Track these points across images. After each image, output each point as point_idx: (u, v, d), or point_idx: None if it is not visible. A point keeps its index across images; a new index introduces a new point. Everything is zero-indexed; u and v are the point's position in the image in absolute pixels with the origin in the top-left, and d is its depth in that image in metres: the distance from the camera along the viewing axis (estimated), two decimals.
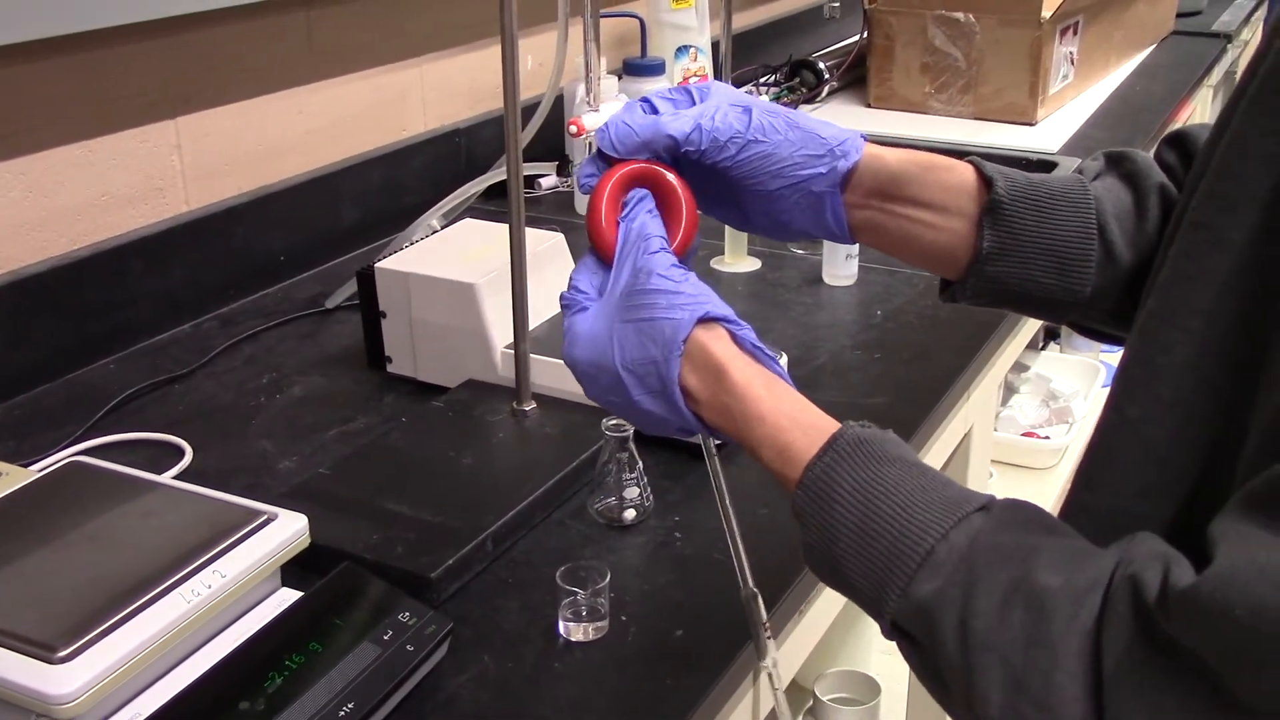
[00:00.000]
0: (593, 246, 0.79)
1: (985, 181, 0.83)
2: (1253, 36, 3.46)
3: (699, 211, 0.82)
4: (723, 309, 0.75)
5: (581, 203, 1.78)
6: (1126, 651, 0.58)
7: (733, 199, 0.84)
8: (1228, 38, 2.90)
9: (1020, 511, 0.67)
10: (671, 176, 0.80)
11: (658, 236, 0.77)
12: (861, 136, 0.83)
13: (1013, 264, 0.83)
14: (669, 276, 0.75)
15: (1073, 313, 0.85)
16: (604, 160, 0.80)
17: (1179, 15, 2.92)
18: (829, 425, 0.72)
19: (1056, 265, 0.82)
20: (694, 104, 0.81)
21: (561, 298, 0.79)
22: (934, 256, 0.85)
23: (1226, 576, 0.55)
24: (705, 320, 0.74)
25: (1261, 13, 3.50)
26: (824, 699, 1.81)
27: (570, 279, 0.79)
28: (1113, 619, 0.58)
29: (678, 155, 0.80)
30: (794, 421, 0.72)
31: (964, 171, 0.84)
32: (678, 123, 0.79)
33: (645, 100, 0.81)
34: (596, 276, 0.79)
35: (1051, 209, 0.82)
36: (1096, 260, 0.82)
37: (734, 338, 0.74)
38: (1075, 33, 2.26)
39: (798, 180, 0.81)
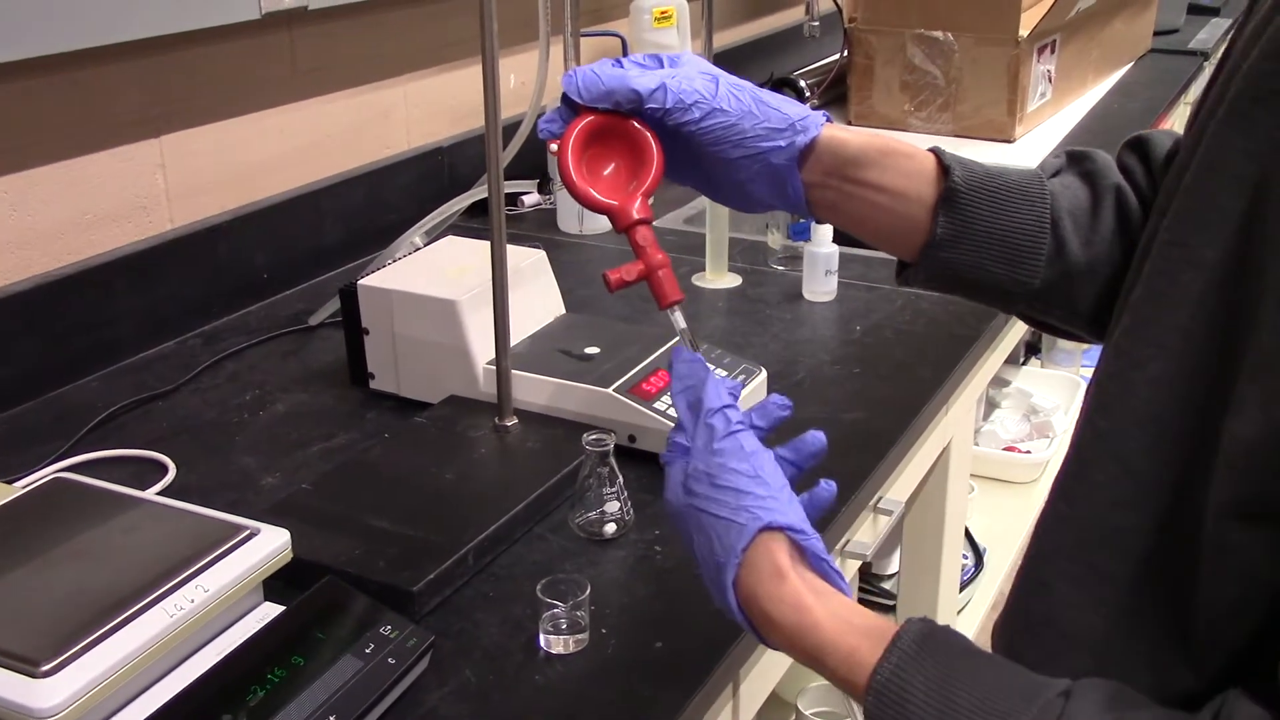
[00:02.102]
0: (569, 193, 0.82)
1: (944, 169, 0.84)
2: None
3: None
4: (789, 516, 0.73)
5: (565, 219, 1.79)
6: None
7: (698, 166, 0.85)
8: (1204, 55, 2.93)
9: (1102, 689, 0.65)
10: (636, 124, 0.81)
11: (725, 409, 0.76)
12: (825, 117, 0.85)
13: (964, 251, 0.84)
14: (741, 471, 0.74)
15: (1020, 303, 0.87)
16: (570, 108, 0.81)
17: (1156, 33, 2.95)
18: (888, 626, 0.70)
19: (1007, 255, 0.84)
20: (663, 69, 0.83)
21: (662, 457, 0.79)
22: (889, 237, 0.87)
23: None
24: (770, 528, 0.73)
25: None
26: (806, 713, 1.81)
27: (669, 436, 0.79)
28: None
29: (642, 112, 0.81)
30: (851, 626, 0.71)
31: (924, 159, 0.85)
32: (644, 79, 0.80)
33: (616, 60, 0.83)
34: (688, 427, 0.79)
35: (1006, 200, 0.83)
36: (1047, 253, 0.83)
37: (797, 547, 0.73)
38: (1053, 51, 2.28)
39: (758, 151, 0.82)
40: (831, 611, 0.71)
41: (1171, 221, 0.69)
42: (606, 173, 0.82)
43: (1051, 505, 0.75)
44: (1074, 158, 0.88)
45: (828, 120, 0.84)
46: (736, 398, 0.78)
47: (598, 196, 0.82)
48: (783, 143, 0.82)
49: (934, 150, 0.85)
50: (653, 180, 0.82)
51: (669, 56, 0.84)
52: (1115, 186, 0.85)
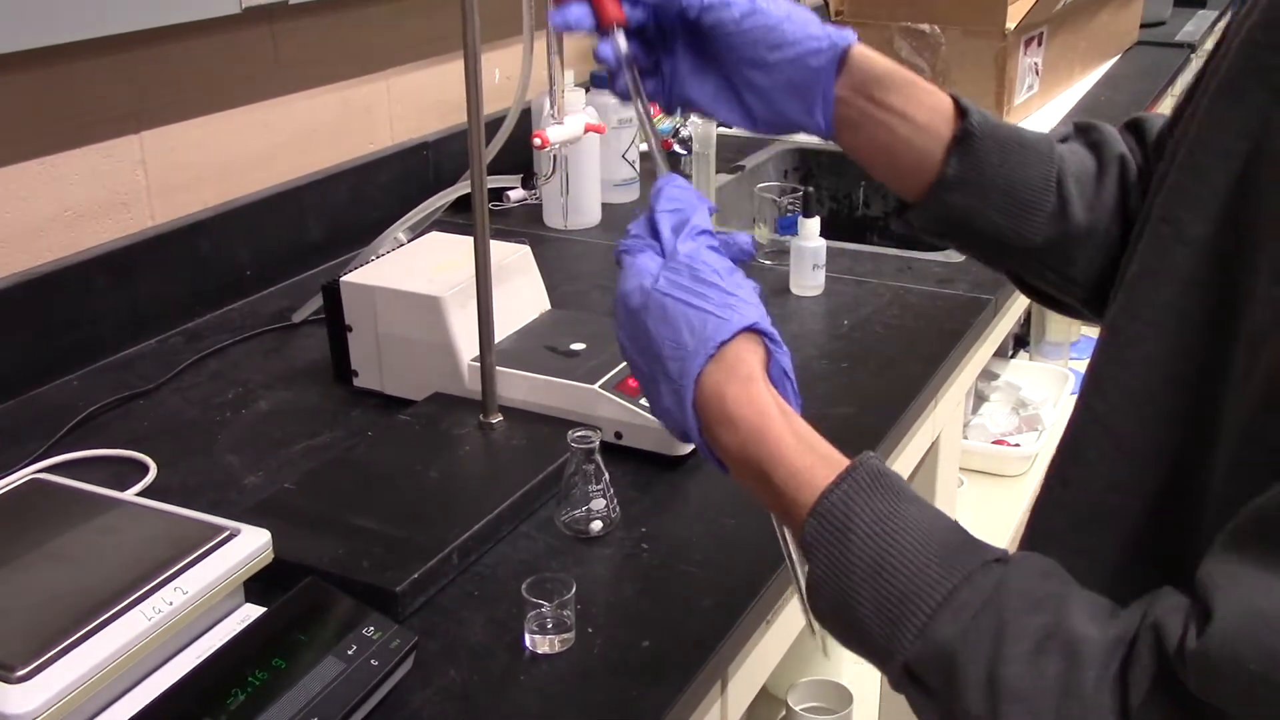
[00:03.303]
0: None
1: (961, 111, 0.84)
2: None
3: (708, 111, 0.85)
4: (768, 325, 0.73)
5: (551, 215, 1.78)
6: (1150, 701, 0.57)
7: (728, 77, 0.84)
8: (1191, 48, 2.93)
9: (1041, 563, 0.65)
10: None
11: (709, 231, 0.76)
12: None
13: (971, 195, 0.84)
14: (723, 273, 0.74)
15: (1016, 259, 0.87)
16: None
17: (1143, 25, 2.95)
18: (843, 458, 0.70)
19: (1012, 207, 0.84)
20: None
21: (619, 244, 0.77)
22: (900, 170, 0.86)
23: (1231, 631, 0.54)
24: (751, 330, 0.72)
25: (1224, 23, 3.54)
26: (796, 708, 1.81)
27: (628, 229, 0.77)
28: (1137, 669, 0.57)
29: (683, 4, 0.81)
30: (810, 447, 0.70)
31: (943, 97, 0.85)
32: None
33: None
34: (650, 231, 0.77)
35: (1017, 152, 0.84)
36: (1051, 211, 0.84)
37: (769, 356, 0.73)
38: (1040, 43, 2.28)
39: (797, 54, 0.82)
40: (794, 429, 0.70)
41: (1164, 199, 0.69)
42: None
43: (1047, 489, 0.75)
44: (1081, 128, 0.89)
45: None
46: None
47: None
48: (823, 45, 0.82)
49: (951, 94, 0.86)
50: (612, 8, 0.80)
51: None
52: (1120, 157, 0.86)
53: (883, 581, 0.64)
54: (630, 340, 0.74)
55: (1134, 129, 0.88)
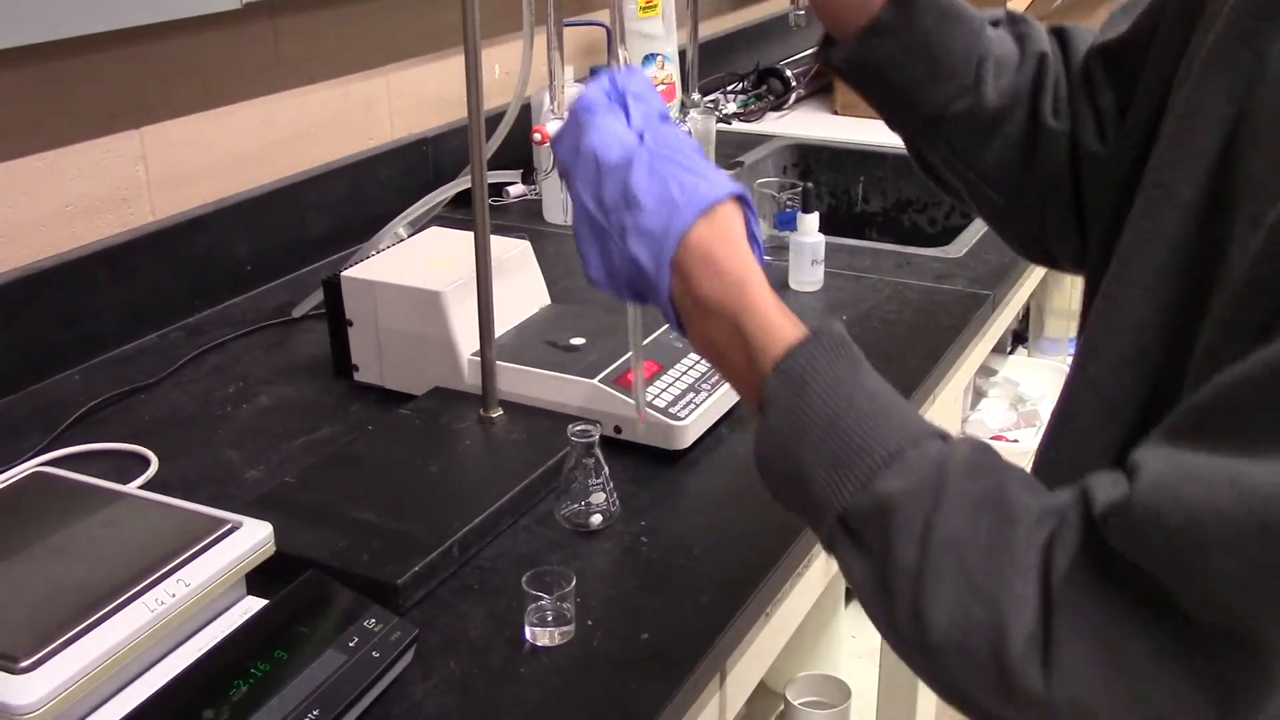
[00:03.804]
0: None
1: None
2: None
3: None
4: (749, 196, 0.76)
5: (551, 210, 1.79)
6: (1074, 562, 0.59)
7: None
8: None
9: (986, 445, 0.68)
10: None
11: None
12: None
13: (896, 47, 0.86)
14: (698, 153, 0.76)
15: (919, 124, 0.90)
16: None
17: None
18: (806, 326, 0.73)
19: (931, 69, 0.87)
20: None
21: (580, 98, 0.77)
22: (841, 2, 0.88)
23: (1155, 484, 0.56)
24: (736, 198, 0.75)
25: None
26: (795, 703, 1.81)
27: (585, 91, 0.77)
28: (1065, 534, 0.60)
29: None
30: (781, 308, 0.73)
31: None
32: None
33: None
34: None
35: (951, 19, 0.87)
36: (965, 84, 0.87)
37: (747, 223, 0.75)
38: None
39: None
40: (767, 285, 0.73)
41: (1156, 163, 0.71)
42: None
43: (1041, 452, 0.76)
44: (1012, 19, 0.92)
45: None
46: None
47: None
48: None
49: None
50: None
51: None
52: (1041, 54, 0.89)
53: (833, 436, 0.67)
54: (593, 194, 0.75)
55: (1059, 36, 0.91)
